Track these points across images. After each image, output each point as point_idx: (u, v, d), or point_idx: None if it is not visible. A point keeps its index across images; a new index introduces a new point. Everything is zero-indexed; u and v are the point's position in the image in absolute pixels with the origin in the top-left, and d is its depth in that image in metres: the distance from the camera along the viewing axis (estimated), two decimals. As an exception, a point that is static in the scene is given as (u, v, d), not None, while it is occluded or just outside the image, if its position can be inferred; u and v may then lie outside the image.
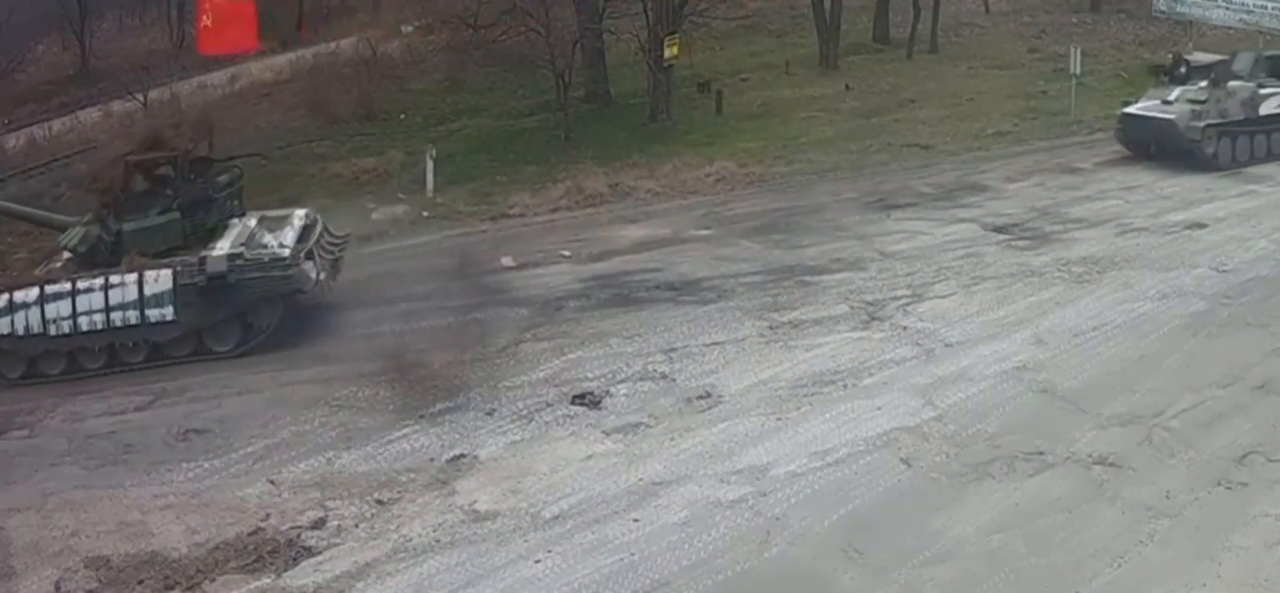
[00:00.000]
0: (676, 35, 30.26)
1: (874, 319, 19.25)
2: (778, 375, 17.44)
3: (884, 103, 32.40)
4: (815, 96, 33.17)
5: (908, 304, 19.77)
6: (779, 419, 16.20)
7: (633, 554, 13.36)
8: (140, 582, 13.37)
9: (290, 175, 27.56)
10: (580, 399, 16.97)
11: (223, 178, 20.55)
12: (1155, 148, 27.33)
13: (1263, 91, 27.81)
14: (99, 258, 19.18)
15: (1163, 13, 37.82)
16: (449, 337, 19.06)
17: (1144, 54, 36.83)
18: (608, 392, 17.16)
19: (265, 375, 18.25)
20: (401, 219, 24.78)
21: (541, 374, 17.78)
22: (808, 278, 21.07)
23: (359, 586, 13.12)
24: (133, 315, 18.56)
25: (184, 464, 15.75)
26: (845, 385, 17.08)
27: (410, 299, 20.80)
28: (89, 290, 18.59)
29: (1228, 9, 35.49)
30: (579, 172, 26.89)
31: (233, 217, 20.34)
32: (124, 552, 13.85)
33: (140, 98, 32.17)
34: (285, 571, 13.43)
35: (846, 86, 33.54)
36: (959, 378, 17.14)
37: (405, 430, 16.35)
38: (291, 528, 14.16)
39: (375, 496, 14.79)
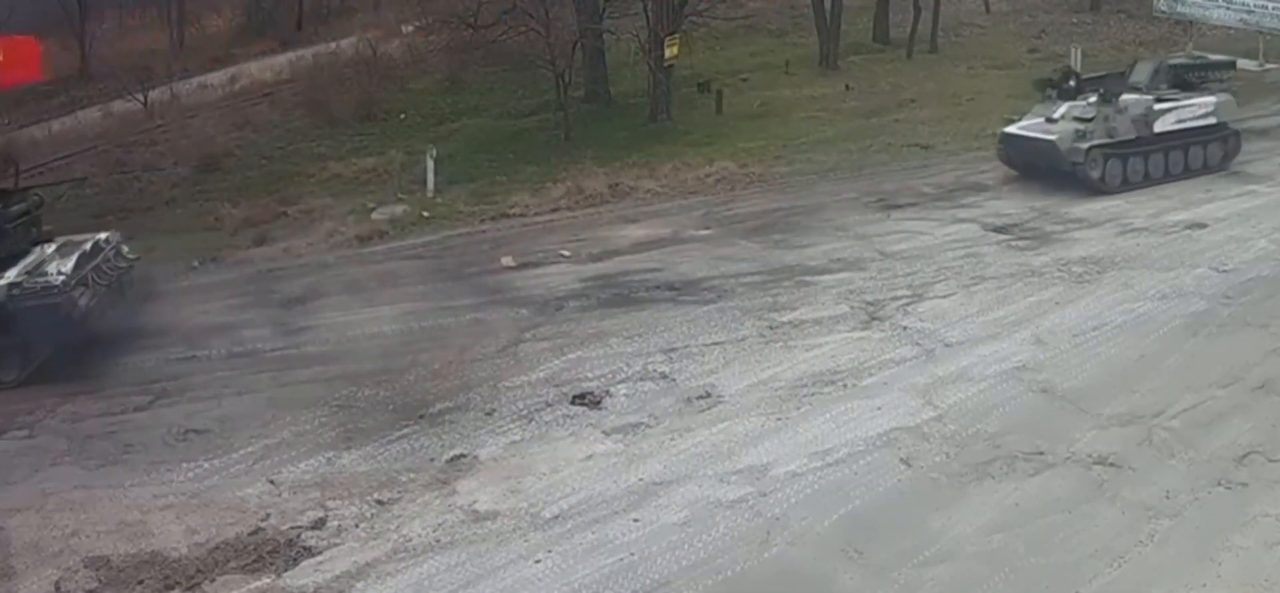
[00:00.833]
0: (676, 35, 30.26)
1: (874, 319, 19.26)
2: (778, 375, 17.44)
3: (884, 103, 32.40)
4: (815, 96, 33.16)
5: (908, 304, 19.77)
6: (779, 419, 16.20)
7: (633, 554, 13.36)
8: (140, 582, 13.38)
9: (290, 175, 27.59)
10: (580, 399, 16.97)
11: (17, 208, 20.04)
12: (1041, 169, 25.61)
13: (1158, 107, 25.86)
14: None
15: (1163, 12, 37.79)
16: (449, 337, 19.09)
17: (1144, 54, 36.74)
18: (608, 392, 17.17)
19: (265, 376, 18.25)
20: (401, 219, 24.78)
21: (541, 374, 17.79)
22: (808, 278, 21.08)
23: (359, 586, 13.13)
24: None
25: (184, 464, 15.75)
26: (845, 385, 17.08)
27: (410, 299, 20.81)
28: None
29: (1228, 9, 35.45)
30: (579, 172, 26.89)
31: (32, 245, 19.90)
32: (124, 552, 13.86)
33: (140, 98, 32.17)
34: (285, 571, 13.43)
35: (846, 86, 33.54)
36: (959, 378, 17.14)
37: (405, 430, 16.36)
38: (291, 528, 14.17)
39: (375, 496, 14.79)
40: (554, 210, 25.41)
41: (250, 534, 14.08)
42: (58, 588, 13.36)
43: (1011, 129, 26.49)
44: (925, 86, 33.71)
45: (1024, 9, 41.85)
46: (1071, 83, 26.66)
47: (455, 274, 22.03)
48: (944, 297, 20.05)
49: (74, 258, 19.44)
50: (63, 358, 18.50)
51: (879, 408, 16.36)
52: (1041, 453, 15.11)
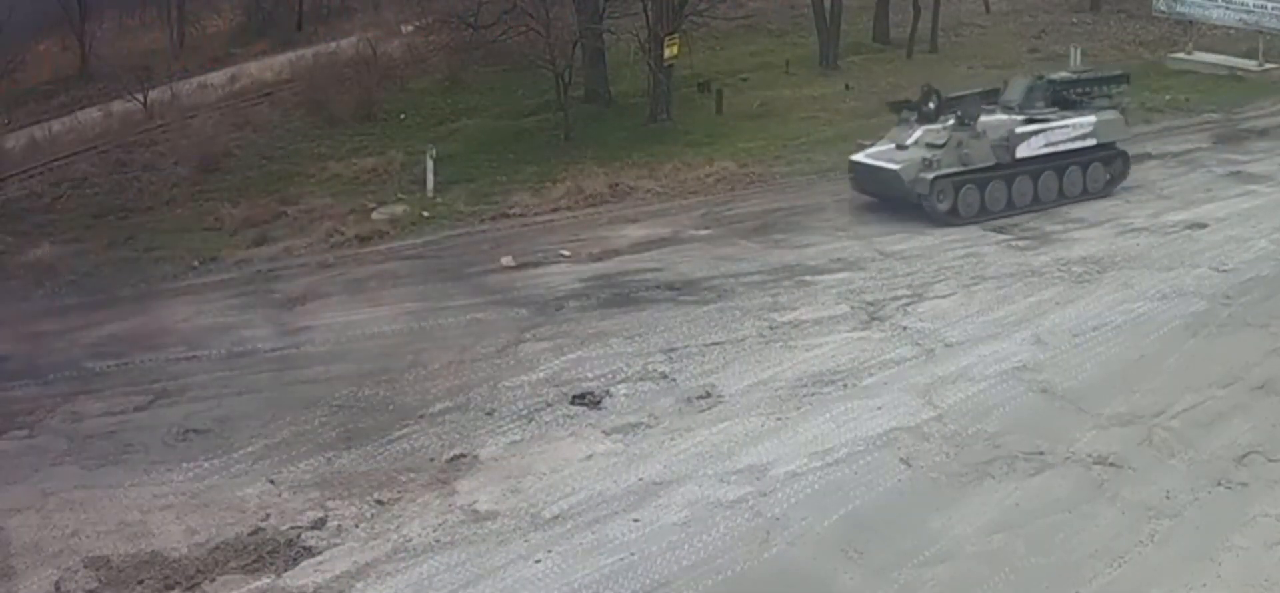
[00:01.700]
0: (676, 35, 30.25)
1: (874, 319, 19.26)
2: (778, 375, 17.44)
3: (884, 103, 32.34)
4: (815, 96, 33.14)
5: (908, 304, 19.78)
6: (779, 419, 16.21)
7: (633, 554, 13.37)
8: (140, 582, 13.38)
9: (290, 175, 27.58)
10: (580, 399, 16.97)
11: None
12: (893, 199, 23.82)
13: (1021, 130, 23.81)
14: None
15: (1163, 12, 37.80)
16: (449, 337, 19.09)
17: (1144, 54, 36.84)
18: (608, 392, 17.17)
19: (265, 376, 18.25)
20: (401, 219, 24.76)
21: (541, 374, 17.79)
22: (808, 278, 21.08)
23: (359, 586, 13.13)
24: None
25: (184, 464, 15.74)
26: (845, 385, 17.08)
27: (410, 299, 20.80)
28: None
29: (1228, 9, 35.46)
30: (579, 172, 26.88)
31: None
32: (124, 552, 13.86)
33: (140, 98, 32.16)
34: (285, 571, 13.43)
35: (846, 86, 33.52)
36: (959, 378, 17.15)
37: (405, 430, 16.36)
38: (291, 528, 14.17)
39: (375, 496, 14.79)
40: (554, 210, 25.40)
41: (250, 534, 14.08)
42: (58, 588, 13.36)
43: (859, 156, 24.44)
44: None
45: (1024, 9, 41.84)
46: (931, 104, 24.33)
47: (455, 274, 22.03)
48: (944, 296, 20.05)
49: None
50: None
51: (879, 408, 16.36)
52: (1041, 453, 15.11)
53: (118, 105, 32.37)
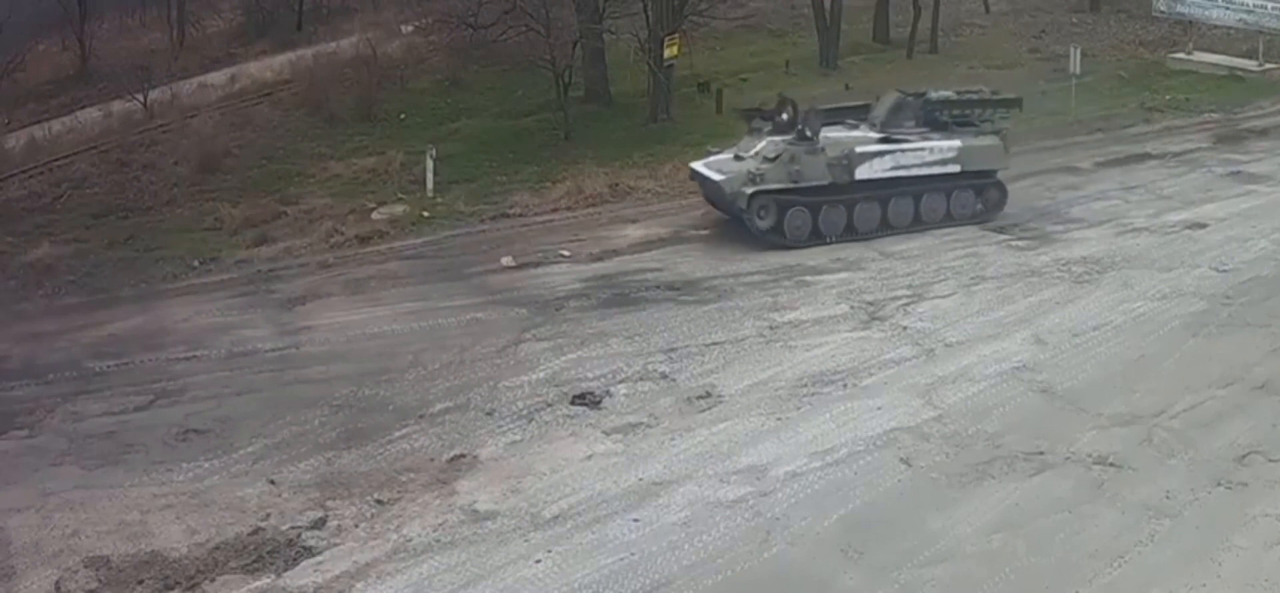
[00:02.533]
0: (676, 35, 30.24)
1: (874, 319, 19.26)
2: (778, 375, 17.45)
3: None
4: (815, 97, 33.06)
5: (908, 304, 19.78)
6: (779, 419, 16.21)
7: (633, 554, 13.37)
8: (140, 582, 13.38)
9: (290, 175, 27.57)
10: (580, 399, 16.97)
11: None
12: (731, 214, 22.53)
13: (863, 151, 22.14)
14: None
15: (1163, 13, 37.84)
16: (449, 337, 19.09)
17: (1144, 54, 36.84)
18: (608, 392, 17.17)
19: (265, 376, 18.25)
20: (401, 219, 24.76)
21: (541, 374, 17.79)
22: (807, 278, 21.08)
23: (359, 586, 13.13)
24: None
25: (184, 464, 15.74)
26: (845, 385, 17.09)
27: (410, 299, 20.80)
28: None
29: (1228, 9, 35.53)
30: (579, 172, 26.88)
31: None
32: (124, 552, 13.86)
33: (140, 98, 32.15)
34: (285, 571, 13.44)
35: (846, 86, 33.46)
36: (959, 378, 17.15)
37: (405, 430, 16.36)
38: (291, 528, 14.17)
39: (375, 496, 14.80)
40: (554, 210, 25.40)
41: (250, 534, 14.08)
42: (58, 588, 13.36)
43: (698, 164, 23.11)
44: (926, 86, 33.63)
45: (1024, 9, 41.82)
46: (784, 115, 22.75)
47: (455, 274, 22.02)
48: (944, 296, 20.06)
49: None
50: None
51: (879, 408, 16.37)
52: (1041, 453, 15.12)
53: (118, 105, 32.33)
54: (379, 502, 14.67)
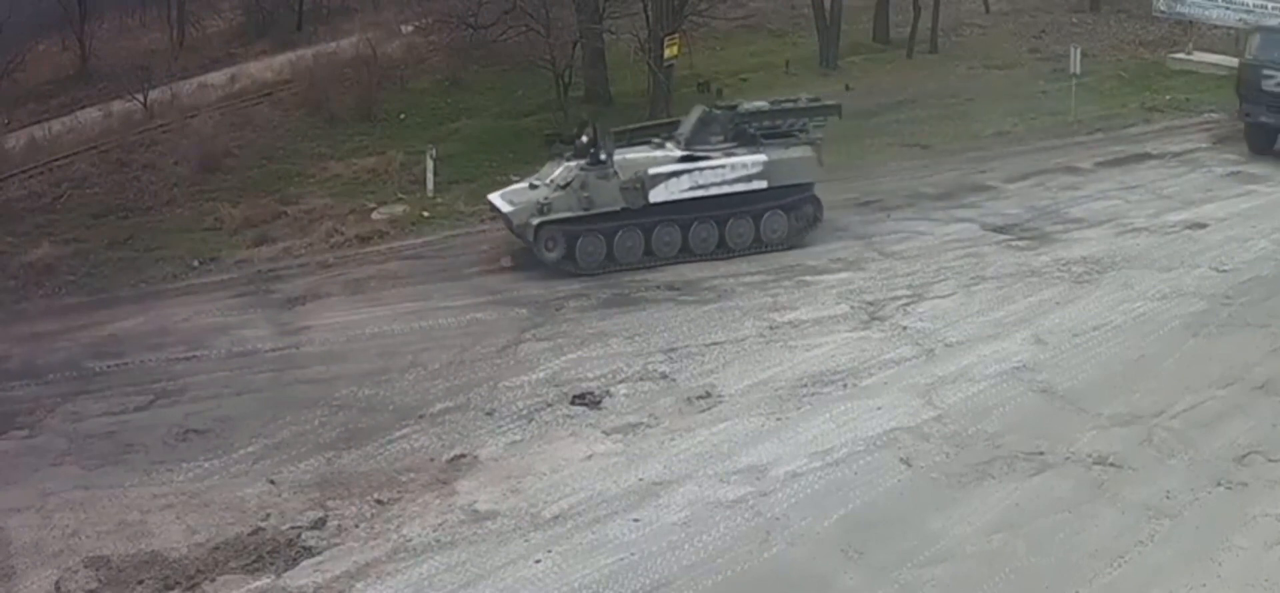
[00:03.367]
0: (676, 35, 30.23)
1: (874, 319, 19.26)
2: (778, 375, 17.45)
3: (884, 102, 32.37)
4: (815, 97, 33.07)
5: (908, 304, 19.78)
6: (779, 419, 16.21)
7: (633, 554, 13.38)
8: (140, 582, 13.38)
9: (290, 175, 27.57)
10: (580, 399, 16.98)
11: None
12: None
13: (657, 171, 20.76)
14: None
15: (1162, 13, 37.77)
16: (449, 337, 19.08)
17: (1144, 54, 36.81)
18: (608, 392, 17.17)
19: (265, 376, 18.26)
20: (401, 219, 24.76)
21: (541, 374, 17.79)
22: (807, 277, 21.08)
23: (359, 586, 13.14)
24: None
25: (184, 464, 15.75)
26: (845, 385, 17.09)
27: (410, 299, 20.80)
28: None
29: (1228, 9, 35.43)
30: (579, 172, 26.85)
31: None
32: (124, 552, 13.86)
33: (140, 98, 32.15)
34: (285, 571, 13.44)
35: (846, 86, 33.49)
36: (959, 378, 17.16)
37: (405, 430, 16.36)
38: (291, 528, 14.18)
39: (375, 496, 14.80)
40: (554, 210, 25.36)
41: (250, 534, 14.09)
42: (58, 588, 13.37)
43: (495, 196, 21.88)
44: (925, 86, 33.67)
45: (1024, 9, 41.81)
46: (584, 138, 21.37)
47: (455, 274, 22.01)
48: (944, 296, 20.05)
49: None
50: None
51: (879, 408, 16.37)
52: (1041, 453, 15.12)
53: (118, 105, 32.33)
54: (379, 502, 14.67)
